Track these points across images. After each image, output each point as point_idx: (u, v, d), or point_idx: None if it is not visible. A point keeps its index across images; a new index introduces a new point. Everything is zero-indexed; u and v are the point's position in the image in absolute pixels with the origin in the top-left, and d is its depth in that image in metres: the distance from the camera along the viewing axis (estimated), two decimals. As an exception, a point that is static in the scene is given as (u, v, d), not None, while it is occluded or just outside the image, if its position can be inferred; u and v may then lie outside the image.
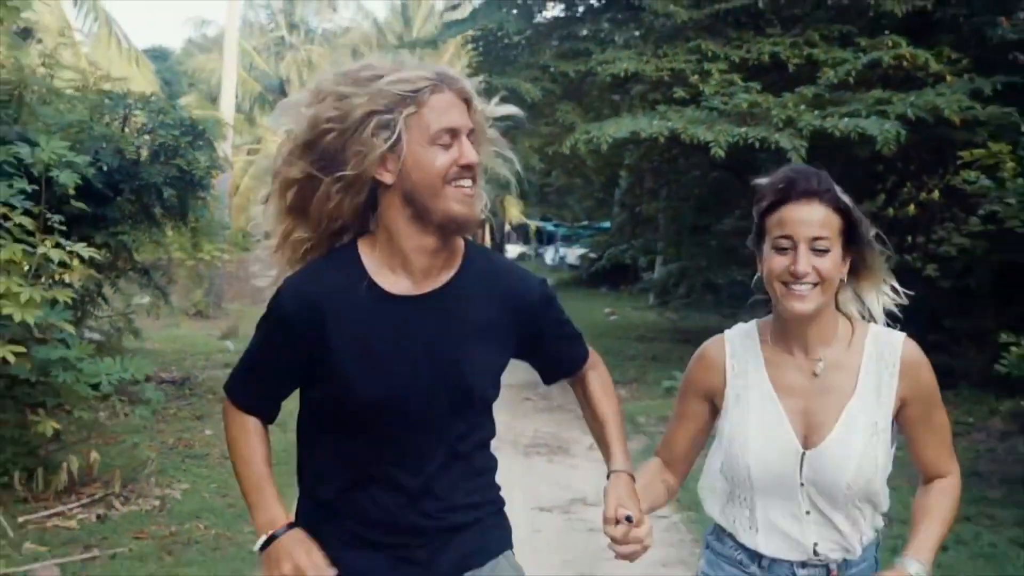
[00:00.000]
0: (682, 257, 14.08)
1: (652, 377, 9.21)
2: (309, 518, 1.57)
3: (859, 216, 1.58)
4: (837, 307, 1.64)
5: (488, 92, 1.64)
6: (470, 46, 10.83)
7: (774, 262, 1.56)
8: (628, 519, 1.48)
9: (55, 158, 4.13)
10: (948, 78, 8.51)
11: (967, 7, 8.52)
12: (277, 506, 1.51)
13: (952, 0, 8.39)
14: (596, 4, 9.75)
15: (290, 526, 1.50)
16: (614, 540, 1.50)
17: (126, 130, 6.48)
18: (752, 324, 1.72)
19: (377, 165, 1.42)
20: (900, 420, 1.63)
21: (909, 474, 1.77)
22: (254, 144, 23.93)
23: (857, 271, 1.63)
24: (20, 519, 4.25)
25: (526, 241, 38.97)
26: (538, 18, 10.21)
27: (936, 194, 9.48)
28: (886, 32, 8.49)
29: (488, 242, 31.80)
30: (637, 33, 9.37)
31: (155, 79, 22.86)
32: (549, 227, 35.94)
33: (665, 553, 4.09)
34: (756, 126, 7.24)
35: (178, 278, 8.92)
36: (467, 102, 1.48)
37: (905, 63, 8.00)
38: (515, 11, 9.77)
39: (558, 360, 1.70)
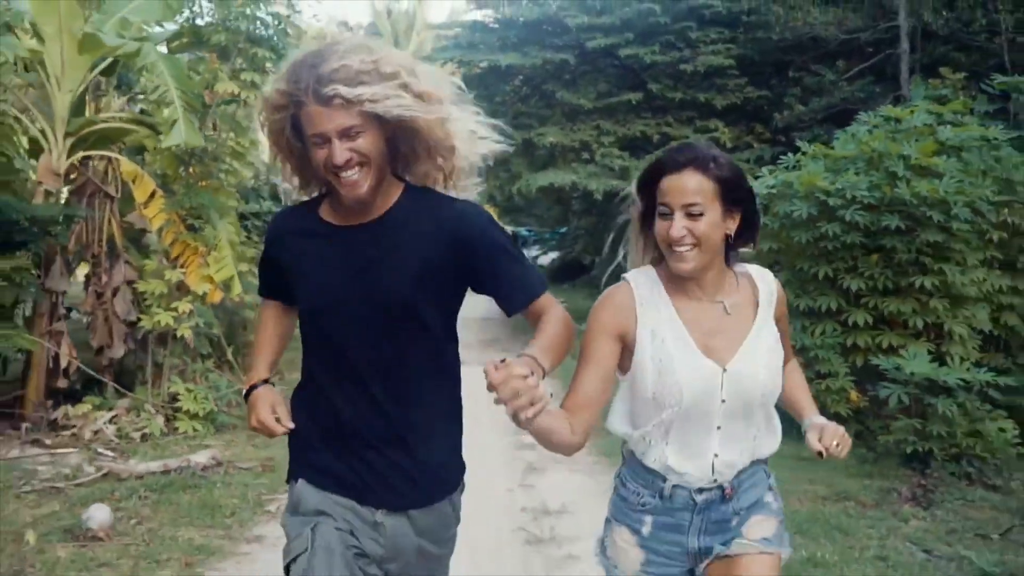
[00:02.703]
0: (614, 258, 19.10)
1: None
2: (293, 411, 1.87)
3: (736, 179, 1.76)
4: (727, 261, 1.84)
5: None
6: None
7: (660, 227, 1.77)
8: (502, 361, 1.39)
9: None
10: (755, 146, 13.63)
11: (766, 101, 13.59)
12: (262, 367, 1.86)
13: (755, 97, 13.43)
14: (532, 89, 14.77)
15: (265, 382, 1.82)
16: (492, 385, 1.38)
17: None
18: (651, 271, 1.86)
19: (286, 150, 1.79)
20: None
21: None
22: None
23: (746, 230, 1.83)
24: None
25: (503, 244, 43.84)
26: (498, 95, 15.14)
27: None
28: (713, 117, 13.52)
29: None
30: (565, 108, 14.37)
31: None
32: (523, 232, 40.90)
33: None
34: (622, 180, 12.26)
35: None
36: (343, 104, 1.62)
37: (719, 139, 13.07)
38: (482, 93, 14.73)
39: (510, 292, 1.78)
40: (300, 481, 1.81)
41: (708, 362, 1.77)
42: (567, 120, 13.71)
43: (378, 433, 1.75)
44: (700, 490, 1.81)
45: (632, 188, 1.88)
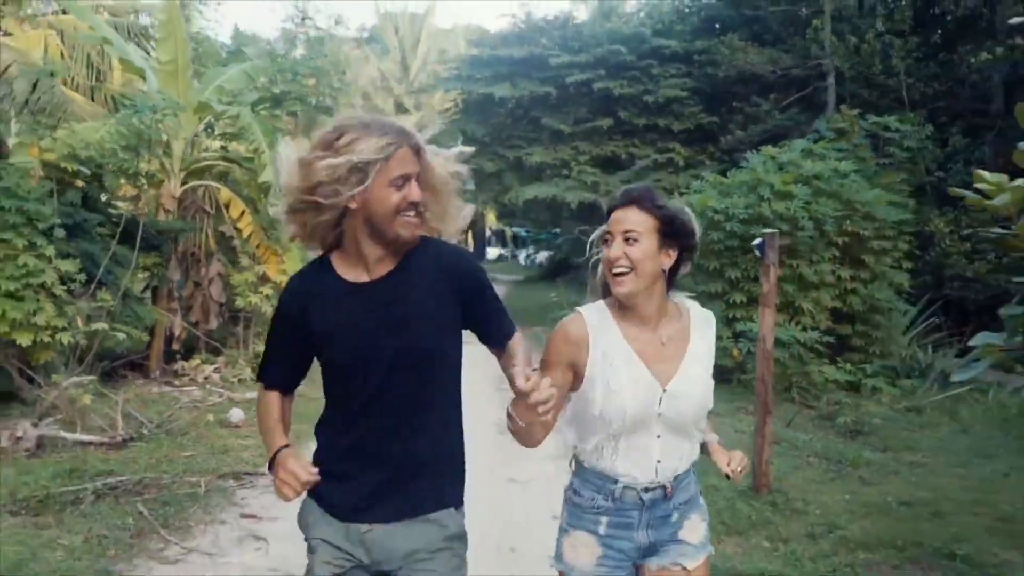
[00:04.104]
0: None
1: (553, 320, 16.97)
2: (318, 456, 2.02)
3: (672, 219, 1.99)
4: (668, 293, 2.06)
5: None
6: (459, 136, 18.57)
7: (602, 254, 2.02)
8: (534, 370, 1.83)
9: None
10: (707, 163, 16.31)
11: (717, 127, 16.26)
12: (280, 438, 1.97)
13: (706, 123, 16.12)
14: (521, 115, 17.52)
15: (286, 447, 1.92)
16: (529, 393, 1.71)
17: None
18: (601, 303, 2.09)
19: (348, 199, 1.85)
20: None
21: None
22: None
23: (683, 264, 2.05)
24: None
25: (504, 244, 46.67)
26: (492, 119, 17.90)
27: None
28: (673, 139, 16.24)
29: (471, 246, 39.05)
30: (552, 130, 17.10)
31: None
32: (522, 233, 43.61)
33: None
34: (593, 192, 14.97)
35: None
36: (417, 152, 1.89)
37: (675, 159, 15.79)
38: (479, 118, 17.48)
39: (492, 329, 2.03)
40: (308, 499, 2.05)
41: (651, 380, 2.00)
42: (551, 142, 16.43)
43: (389, 459, 1.96)
44: (646, 489, 2.04)
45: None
